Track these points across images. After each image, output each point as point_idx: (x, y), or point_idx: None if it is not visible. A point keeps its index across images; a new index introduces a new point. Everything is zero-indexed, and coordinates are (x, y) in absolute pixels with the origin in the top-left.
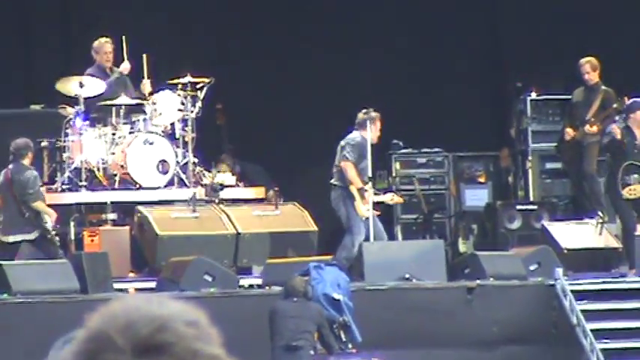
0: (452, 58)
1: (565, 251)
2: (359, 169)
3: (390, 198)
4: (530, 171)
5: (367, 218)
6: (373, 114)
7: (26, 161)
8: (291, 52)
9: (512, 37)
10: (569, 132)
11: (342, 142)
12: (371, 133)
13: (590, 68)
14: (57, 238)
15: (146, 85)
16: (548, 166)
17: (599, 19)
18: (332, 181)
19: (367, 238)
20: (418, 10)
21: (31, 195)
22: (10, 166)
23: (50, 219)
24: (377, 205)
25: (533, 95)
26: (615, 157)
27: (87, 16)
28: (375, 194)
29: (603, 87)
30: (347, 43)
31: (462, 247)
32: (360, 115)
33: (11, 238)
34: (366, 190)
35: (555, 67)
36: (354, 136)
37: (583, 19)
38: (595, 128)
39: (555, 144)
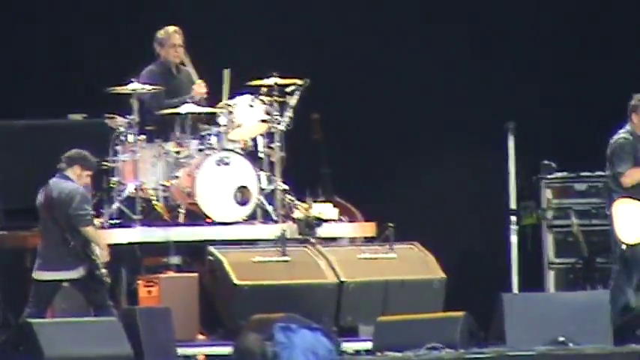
0: (617, 61)
1: None
2: None
3: None
4: None
5: None
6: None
7: (72, 175)
8: (412, 48)
9: None
10: None
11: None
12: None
13: None
14: (108, 279)
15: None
16: None
17: None
18: None
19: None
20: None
21: (82, 216)
22: (51, 181)
23: (102, 253)
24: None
25: None
26: None
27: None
28: None
29: None
30: (486, 42)
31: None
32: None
33: (47, 276)
34: None
35: None
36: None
37: None
38: None
39: None
